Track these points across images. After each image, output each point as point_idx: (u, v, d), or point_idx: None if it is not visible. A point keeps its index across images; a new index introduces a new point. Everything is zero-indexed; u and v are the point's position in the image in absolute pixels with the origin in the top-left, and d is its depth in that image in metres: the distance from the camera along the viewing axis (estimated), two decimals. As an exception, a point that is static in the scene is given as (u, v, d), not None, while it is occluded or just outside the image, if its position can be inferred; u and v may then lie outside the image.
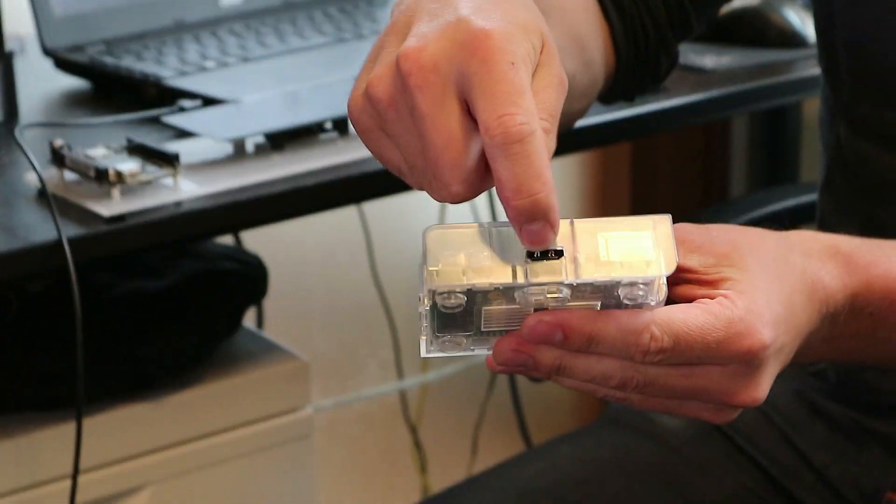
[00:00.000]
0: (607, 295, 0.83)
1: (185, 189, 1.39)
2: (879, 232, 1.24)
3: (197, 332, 1.64)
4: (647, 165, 2.61)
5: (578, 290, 0.83)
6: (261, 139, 1.48)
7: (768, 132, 2.24)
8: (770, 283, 0.90)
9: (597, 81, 1.24)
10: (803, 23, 1.81)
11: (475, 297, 0.83)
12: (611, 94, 1.30)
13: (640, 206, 2.61)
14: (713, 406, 0.90)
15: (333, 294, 2.42)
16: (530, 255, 0.82)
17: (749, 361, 0.87)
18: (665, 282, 0.84)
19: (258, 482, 1.67)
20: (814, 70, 1.70)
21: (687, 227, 0.91)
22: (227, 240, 1.95)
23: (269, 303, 2.02)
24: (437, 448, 2.47)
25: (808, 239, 0.96)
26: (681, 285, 0.88)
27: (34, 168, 1.39)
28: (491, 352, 0.86)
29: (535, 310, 0.84)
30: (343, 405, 2.46)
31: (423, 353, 0.86)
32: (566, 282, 0.82)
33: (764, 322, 0.87)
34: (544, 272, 0.83)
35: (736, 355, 0.87)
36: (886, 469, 1.27)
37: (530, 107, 0.83)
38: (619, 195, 2.64)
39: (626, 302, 0.84)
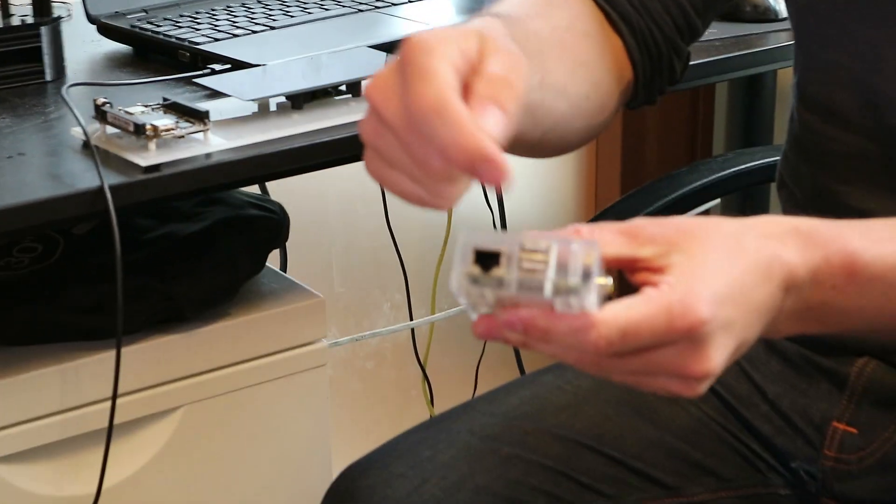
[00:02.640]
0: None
1: (214, 143, 1.40)
2: (824, 196, 1.29)
3: (225, 272, 1.64)
4: (636, 128, 2.61)
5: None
6: (282, 99, 1.48)
7: (747, 99, 2.25)
8: (715, 265, 0.90)
9: (610, 96, 1.26)
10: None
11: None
12: (634, 100, 1.33)
13: (630, 169, 2.60)
14: (675, 380, 0.91)
15: (351, 241, 2.43)
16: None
17: (692, 338, 0.88)
18: (601, 285, 0.86)
19: (279, 406, 1.68)
20: (784, 42, 1.76)
21: (642, 221, 0.93)
22: (254, 190, 1.94)
23: (292, 248, 2.03)
24: (442, 381, 2.47)
25: (767, 222, 0.96)
26: (636, 272, 0.90)
27: (79, 123, 1.39)
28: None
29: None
30: (359, 342, 2.48)
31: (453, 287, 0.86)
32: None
33: (701, 300, 0.88)
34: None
35: (679, 334, 0.88)
36: (832, 401, 1.30)
37: (440, 83, 0.88)
38: (612, 156, 2.62)
39: (563, 310, 0.86)
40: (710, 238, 0.92)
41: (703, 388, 0.91)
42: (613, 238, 0.92)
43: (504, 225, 2.26)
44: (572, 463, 1.34)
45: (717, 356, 0.90)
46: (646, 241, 0.92)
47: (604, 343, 0.87)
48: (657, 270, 0.90)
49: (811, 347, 1.34)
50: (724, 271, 0.91)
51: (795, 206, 1.34)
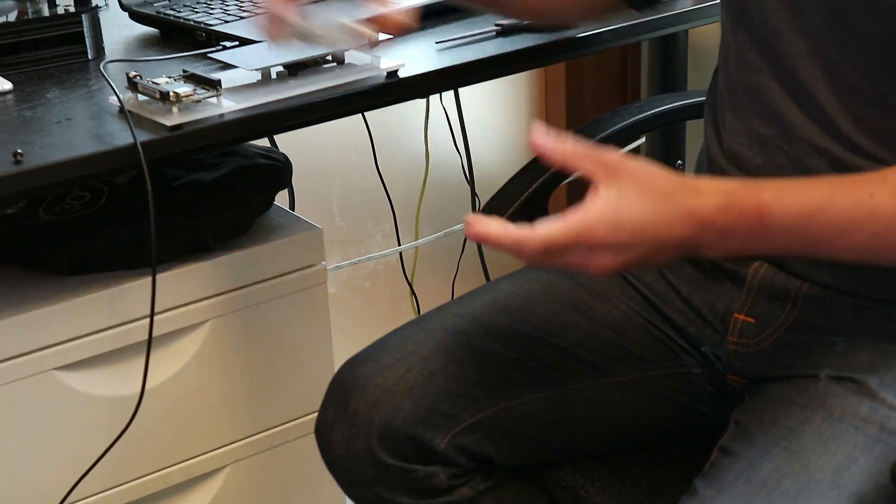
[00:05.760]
0: None
1: (226, 105, 1.39)
2: (732, 116, 1.29)
3: (240, 210, 1.65)
4: (577, 80, 2.59)
5: None
6: (281, 68, 1.47)
7: (664, 53, 2.23)
8: (632, 206, 1.05)
9: None
10: (685, -30, 1.78)
11: None
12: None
13: (573, 115, 2.58)
14: (585, 268, 1.08)
15: (347, 184, 2.43)
16: None
17: (591, 248, 1.06)
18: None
19: (288, 317, 1.69)
20: (691, 6, 1.73)
21: (615, 155, 1.08)
22: (265, 143, 1.94)
23: (299, 190, 2.04)
24: (426, 295, 2.48)
25: (704, 183, 1.09)
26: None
27: (115, 92, 1.39)
28: None
29: None
30: (356, 265, 2.48)
31: None
32: None
33: (601, 225, 1.05)
34: None
35: (582, 247, 1.06)
36: (733, 296, 1.30)
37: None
38: (558, 104, 2.61)
39: None
40: (645, 186, 1.06)
41: (605, 275, 1.08)
42: (585, 159, 1.08)
43: (470, 163, 2.27)
44: (525, 352, 1.36)
45: (611, 262, 1.07)
46: (606, 166, 1.07)
47: (534, 251, 1.06)
48: (594, 187, 1.06)
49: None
50: (636, 212, 1.05)
51: (713, 125, 1.35)
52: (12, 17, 1.60)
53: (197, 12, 1.71)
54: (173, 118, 1.36)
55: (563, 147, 1.09)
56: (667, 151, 2.22)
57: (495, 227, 1.07)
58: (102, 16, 1.65)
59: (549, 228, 1.05)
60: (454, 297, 2.42)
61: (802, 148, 1.22)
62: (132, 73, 1.42)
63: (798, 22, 1.19)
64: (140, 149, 1.32)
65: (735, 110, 1.29)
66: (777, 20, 1.21)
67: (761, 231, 1.07)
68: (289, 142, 1.94)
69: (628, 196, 1.05)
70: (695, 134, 2.12)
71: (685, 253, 1.08)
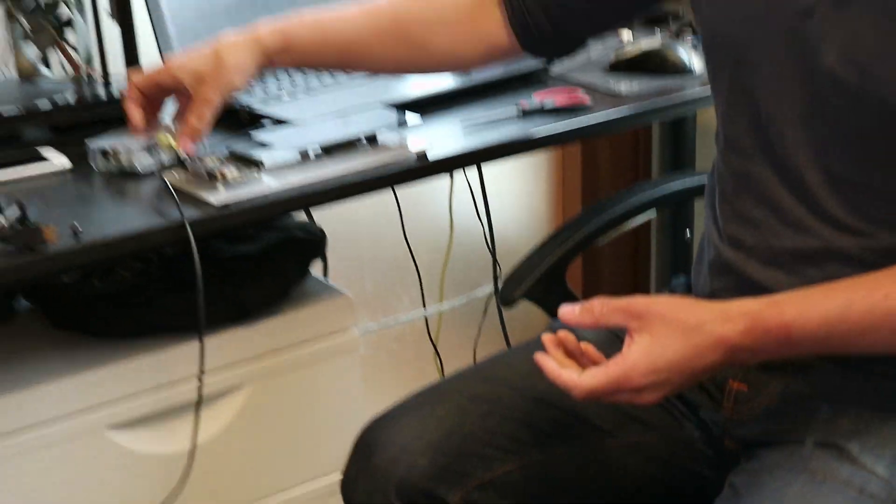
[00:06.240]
0: None
1: (268, 184, 1.42)
2: (725, 203, 1.33)
3: (278, 279, 1.68)
4: (592, 160, 2.60)
5: None
6: (318, 149, 1.50)
7: (674, 134, 2.24)
8: (663, 349, 1.15)
9: (494, 46, 1.50)
10: (691, 57, 1.85)
11: None
12: (533, 52, 1.52)
13: (588, 189, 2.59)
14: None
15: (377, 251, 2.44)
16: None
17: (633, 390, 1.16)
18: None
19: (322, 379, 1.71)
20: (698, 89, 1.77)
21: (640, 301, 1.17)
22: (301, 216, 1.95)
23: (332, 258, 2.06)
24: (450, 356, 2.48)
25: (727, 309, 1.17)
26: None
27: (162, 172, 1.44)
28: None
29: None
30: (384, 328, 2.49)
31: None
32: None
33: (639, 373, 1.15)
34: None
35: (624, 391, 1.16)
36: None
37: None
38: (573, 179, 2.63)
39: None
40: (675, 324, 1.15)
41: (653, 404, 1.19)
42: (614, 313, 1.17)
43: (492, 233, 2.30)
44: (534, 415, 1.38)
45: (653, 397, 1.18)
46: (632, 313, 1.16)
47: (581, 397, 1.18)
48: (629, 336, 1.16)
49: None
50: (670, 352, 1.15)
51: (711, 208, 1.39)
52: (72, 99, 1.66)
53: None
54: (219, 196, 1.40)
55: (592, 310, 1.19)
56: (676, 223, 2.26)
57: (552, 364, 1.20)
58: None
59: (593, 376, 1.16)
60: (476, 359, 2.46)
61: (793, 229, 1.27)
62: (181, 153, 1.45)
63: (788, 112, 1.25)
64: (189, 227, 1.35)
65: (728, 194, 1.34)
66: (769, 109, 1.27)
67: (788, 344, 1.16)
68: (324, 212, 1.97)
69: (660, 339, 1.15)
70: (703, 206, 2.19)
71: (721, 370, 1.19)
